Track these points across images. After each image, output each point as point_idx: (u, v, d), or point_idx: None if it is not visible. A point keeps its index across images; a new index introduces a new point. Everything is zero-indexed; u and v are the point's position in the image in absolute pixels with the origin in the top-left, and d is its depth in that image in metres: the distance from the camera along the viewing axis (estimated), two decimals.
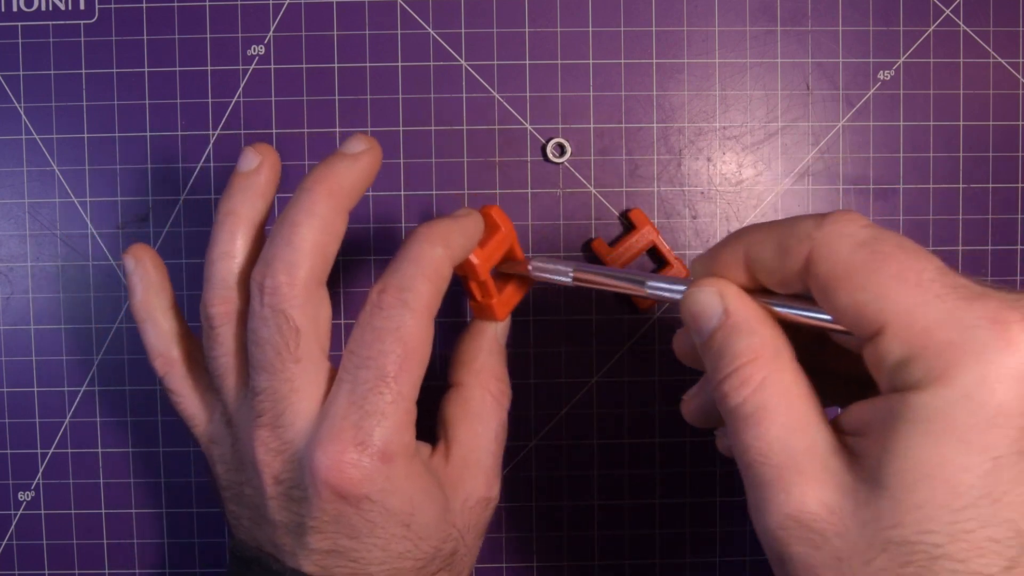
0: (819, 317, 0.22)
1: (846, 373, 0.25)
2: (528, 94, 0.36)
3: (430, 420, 0.30)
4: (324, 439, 0.25)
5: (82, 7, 0.35)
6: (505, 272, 0.31)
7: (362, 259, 0.36)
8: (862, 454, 0.20)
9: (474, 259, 0.28)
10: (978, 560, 0.19)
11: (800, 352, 0.22)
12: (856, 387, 0.23)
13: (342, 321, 0.36)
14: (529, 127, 0.36)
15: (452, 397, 0.30)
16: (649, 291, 0.26)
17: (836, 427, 0.22)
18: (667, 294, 0.26)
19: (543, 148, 0.36)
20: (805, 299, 0.23)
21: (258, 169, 0.28)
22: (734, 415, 0.22)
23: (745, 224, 0.35)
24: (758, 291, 0.23)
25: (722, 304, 0.23)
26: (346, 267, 0.36)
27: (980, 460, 0.19)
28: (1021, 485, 0.19)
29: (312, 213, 0.26)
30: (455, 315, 0.36)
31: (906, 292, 0.19)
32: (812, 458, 0.21)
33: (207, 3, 0.35)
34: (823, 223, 0.21)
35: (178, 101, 0.35)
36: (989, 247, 0.36)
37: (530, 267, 0.30)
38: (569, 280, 0.28)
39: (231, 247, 0.27)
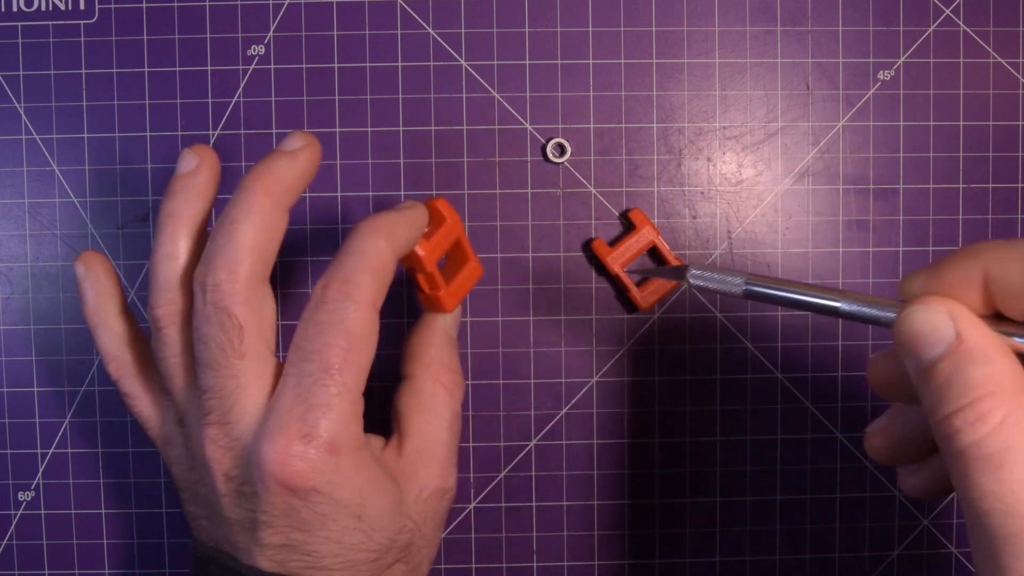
0: None
1: None
2: (528, 94, 0.36)
3: (384, 414, 0.30)
4: (270, 433, 0.25)
5: (82, 7, 0.35)
6: (658, 277, 0.29)
7: None
8: None
9: (420, 251, 0.29)
10: None
11: None
12: None
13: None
14: (529, 127, 0.36)
15: (404, 390, 0.30)
16: (848, 310, 0.23)
17: None
18: (873, 315, 0.22)
19: (543, 148, 0.36)
20: None
21: (196, 170, 0.28)
22: (966, 455, 0.19)
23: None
24: (990, 318, 0.21)
25: (954, 327, 0.20)
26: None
27: None
28: None
29: (251, 211, 0.26)
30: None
31: None
32: None
33: (207, 3, 0.35)
34: None
35: (178, 101, 0.35)
36: None
37: (689, 276, 0.26)
38: (739, 292, 0.25)
39: (173, 248, 0.28)
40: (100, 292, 0.30)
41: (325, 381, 0.25)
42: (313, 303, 0.26)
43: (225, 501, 0.27)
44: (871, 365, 0.25)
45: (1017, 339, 0.20)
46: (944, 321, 0.20)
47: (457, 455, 0.31)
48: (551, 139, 0.36)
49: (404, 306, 0.36)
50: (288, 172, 0.27)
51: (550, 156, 0.36)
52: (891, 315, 0.22)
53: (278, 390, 0.26)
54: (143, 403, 0.30)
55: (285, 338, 0.36)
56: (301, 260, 0.36)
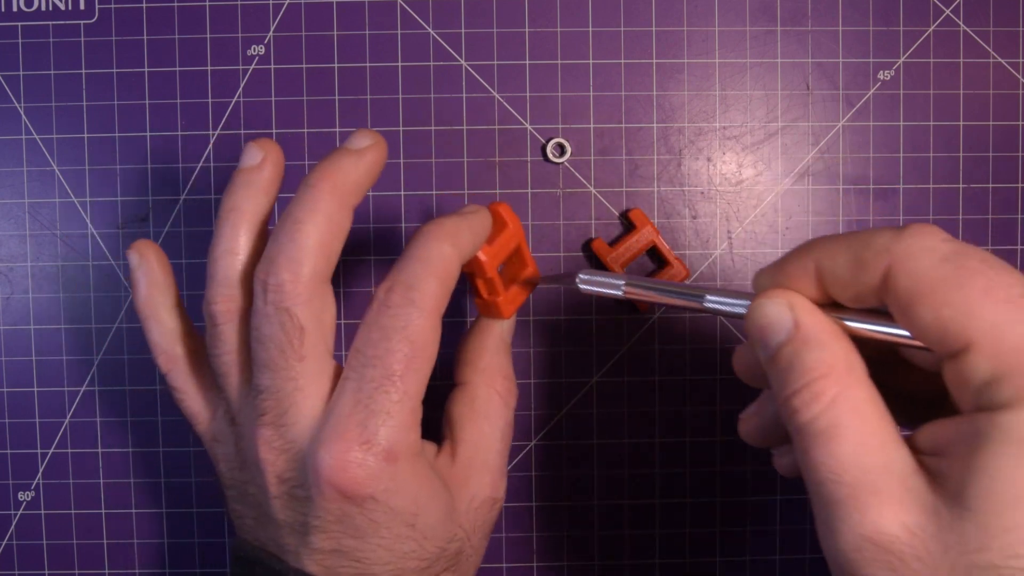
0: (896, 333, 0.21)
1: (915, 392, 0.24)
2: (528, 94, 0.36)
3: (437, 419, 0.30)
4: (329, 438, 0.25)
5: (82, 7, 0.35)
6: (549, 284, 0.30)
7: (362, 259, 0.36)
8: (943, 475, 0.20)
9: (482, 256, 0.28)
10: None
11: (869, 371, 0.22)
12: (925, 407, 0.23)
13: (342, 321, 0.36)
14: (529, 127, 0.36)
15: (458, 396, 0.30)
16: (709, 305, 0.25)
17: (911, 446, 0.21)
18: (729, 308, 0.25)
19: (543, 148, 0.36)
20: (878, 314, 0.22)
21: (261, 165, 0.28)
22: (804, 432, 0.21)
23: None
24: (827, 305, 0.23)
25: (792, 316, 0.22)
26: (346, 267, 0.36)
27: None
28: None
29: (316, 210, 0.25)
30: (460, 314, 0.36)
31: (994, 308, 0.19)
32: (889, 477, 0.20)
33: (207, 3, 0.35)
34: (902, 236, 0.20)
35: (178, 101, 0.35)
36: (989, 247, 0.36)
37: (577, 280, 0.28)
38: (620, 294, 0.27)
39: (234, 244, 0.27)
40: (153, 283, 0.29)
41: (387, 387, 0.25)
42: (376, 307, 0.25)
43: (276, 503, 0.26)
44: (735, 356, 0.26)
45: (850, 323, 0.22)
46: (783, 311, 0.22)
47: (507, 464, 0.30)
48: (551, 139, 0.36)
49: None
50: (354, 171, 0.26)
51: (550, 156, 0.36)
52: (743, 309, 0.24)
53: (336, 394, 0.25)
54: (192, 399, 0.29)
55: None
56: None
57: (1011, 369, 0.19)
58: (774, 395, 0.22)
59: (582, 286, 0.28)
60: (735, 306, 0.24)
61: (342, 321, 0.36)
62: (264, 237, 0.28)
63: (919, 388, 0.24)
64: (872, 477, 0.20)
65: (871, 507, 0.20)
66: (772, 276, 0.23)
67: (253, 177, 0.27)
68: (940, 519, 0.19)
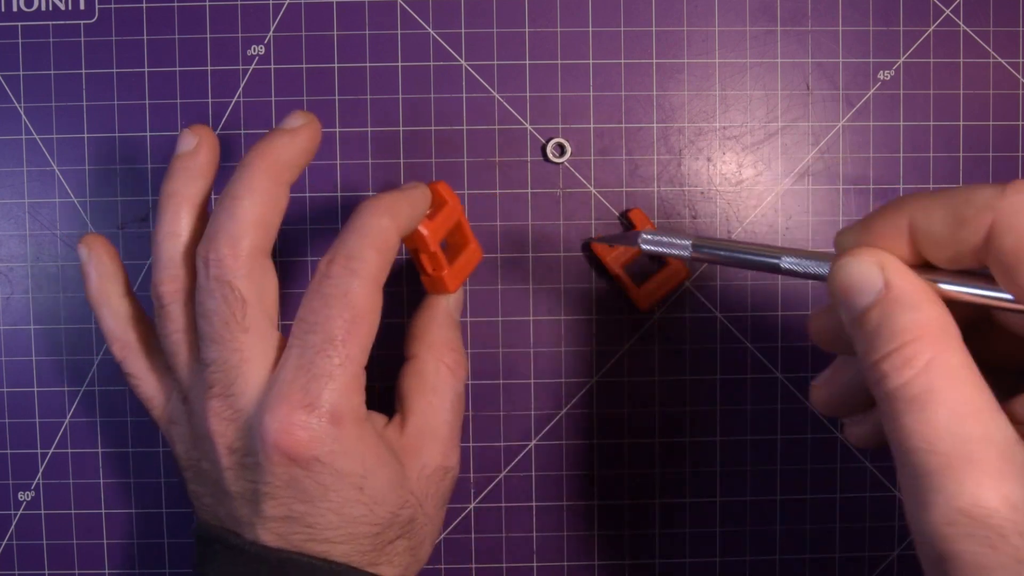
0: (997, 296, 0.20)
1: (1008, 361, 0.23)
2: (528, 94, 0.36)
3: (389, 397, 0.30)
4: (273, 403, 0.25)
5: (82, 7, 0.35)
6: (612, 244, 0.30)
7: None
8: None
9: (423, 230, 0.29)
10: None
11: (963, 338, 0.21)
12: (1018, 376, 0.22)
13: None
14: (529, 127, 0.36)
15: (407, 370, 0.31)
16: (787, 266, 0.24)
17: (1009, 416, 0.20)
18: (809, 269, 0.23)
19: (543, 148, 0.36)
20: (975, 275, 0.21)
21: (196, 150, 0.29)
22: (894, 397, 0.20)
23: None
24: (919, 266, 0.21)
25: (882, 276, 0.21)
26: None
27: None
28: None
29: (252, 188, 0.27)
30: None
31: None
32: (988, 447, 0.19)
33: (207, 3, 0.35)
34: (1007, 192, 0.19)
35: (178, 101, 0.35)
36: None
37: (640, 241, 0.27)
38: (687, 255, 0.26)
39: (176, 226, 0.28)
40: (103, 273, 0.30)
41: (328, 352, 0.25)
42: (318, 277, 0.26)
43: (228, 475, 0.27)
44: (812, 320, 0.25)
45: (944, 285, 0.21)
46: (873, 271, 0.21)
47: (460, 434, 0.31)
48: (551, 139, 0.36)
49: (404, 292, 0.36)
50: (288, 149, 0.28)
51: (550, 156, 0.36)
52: (825, 269, 0.22)
53: (281, 362, 0.26)
54: (147, 382, 0.30)
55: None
56: (301, 260, 0.36)
57: None
58: (860, 360, 0.21)
59: (644, 246, 0.27)
60: (816, 267, 0.23)
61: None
62: (204, 219, 0.29)
63: (1013, 356, 0.23)
64: (969, 446, 0.19)
65: (968, 478, 0.19)
66: (858, 235, 0.22)
67: (189, 162, 0.29)
68: None
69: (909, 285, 0.21)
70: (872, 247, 0.22)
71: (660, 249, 0.27)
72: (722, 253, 0.25)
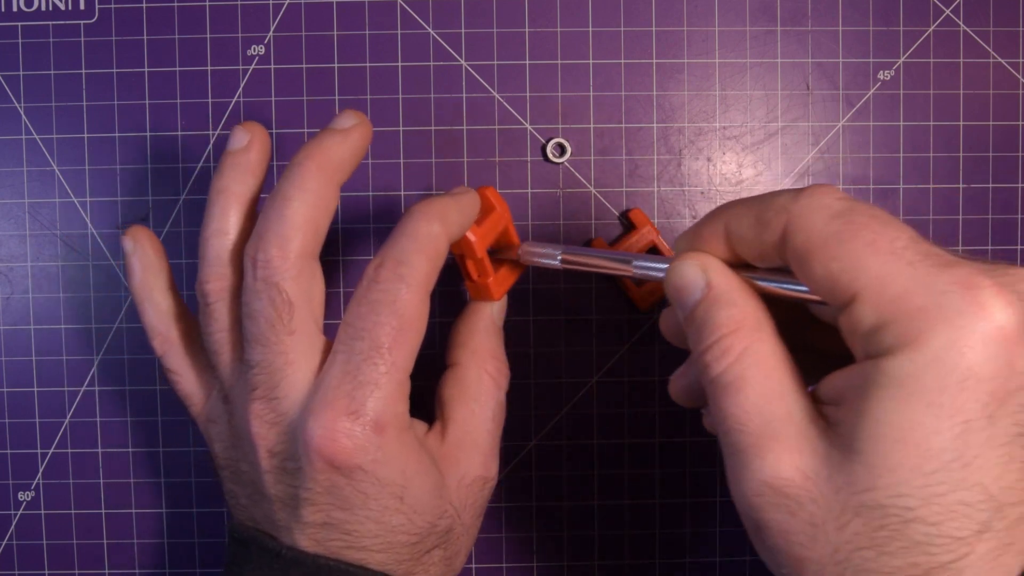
0: (797, 289, 0.23)
1: (827, 349, 0.25)
2: (528, 94, 0.36)
3: (430, 402, 0.30)
4: (317, 408, 0.25)
5: (82, 7, 0.35)
6: (495, 257, 0.31)
7: (362, 260, 0.36)
8: (838, 422, 0.21)
9: (471, 236, 0.29)
10: (950, 523, 0.19)
11: (783, 328, 0.23)
12: (837, 362, 0.23)
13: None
14: (529, 127, 0.36)
15: (449, 377, 0.30)
16: (636, 270, 0.27)
17: (815, 397, 0.22)
18: (653, 272, 0.26)
19: (543, 148, 0.36)
20: (784, 272, 0.23)
21: (248, 147, 0.28)
22: (714, 385, 0.22)
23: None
24: (740, 266, 0.24)
25: (704, 277, 0.23)
26: (345, 267, 0.36)
27: (950, 424, 0.19)
28: (991, 449, 0.19)
29: (303, 188, 0.26)
30: (456, 299, 0.36)
31: (878, 260, 0.20)
32: (788, 425, 0.21)
33: (207, 3, 0.35)
34: (799, 196, 0.21)
35: (178, 101, 0.35)
36: (989, 247, 0.36)
37: (519, 251, 0.30)
38: (558, 263, 0.29)
39: (224, 224, 0.28)
40: (147, 266, 0.30)
41: (374, 359, 0.25)
42: (365, 282, 0.26)
43: (267, 478, 0.27)
44: (662, 318, 0.28)
45: (757, 280, 0.23)
46: (697, 272, 0.23)
47: (499, 444, 0.30)
48: (551, 139, 0.36)
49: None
50: (340, 149, 0.27)
51: (550, 156, 0.36)
52: (663, 272, 0.25)
53: (326, 367, 0.26)
54: (187, 379, 0.30)
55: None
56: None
57: (893, 317, 0.19)
58: (692, 354, 0.23)
59: (522, 257, 0.30)
60: (658, 270, 0.26)
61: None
62: (253, 217, 0.29)
63: (828, 344, 0.25)
64: (774, 425, 0.21)
65: (770, 453, 0.21)
66: (689, 239, 0.24)
67: (240, 159, 0.28)
68: (832, 463, 0.20)
69: (727, 283, 0.23)
70: (698, 251, 0.24)
71: (533, 259, 0.30)
72: (585, 260, 0.28)
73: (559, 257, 0.29)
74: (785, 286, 0.23)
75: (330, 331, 0.27)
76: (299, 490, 0.26)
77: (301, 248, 0.26)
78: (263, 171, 0.29)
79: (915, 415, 0.19)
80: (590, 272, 0.28)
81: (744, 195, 0.36)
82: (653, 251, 0.36)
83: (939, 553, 0.19)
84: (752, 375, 0.22)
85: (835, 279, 0.20)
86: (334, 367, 0.26)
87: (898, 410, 0.19)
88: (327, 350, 0.27)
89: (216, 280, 0.28)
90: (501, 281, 0.31)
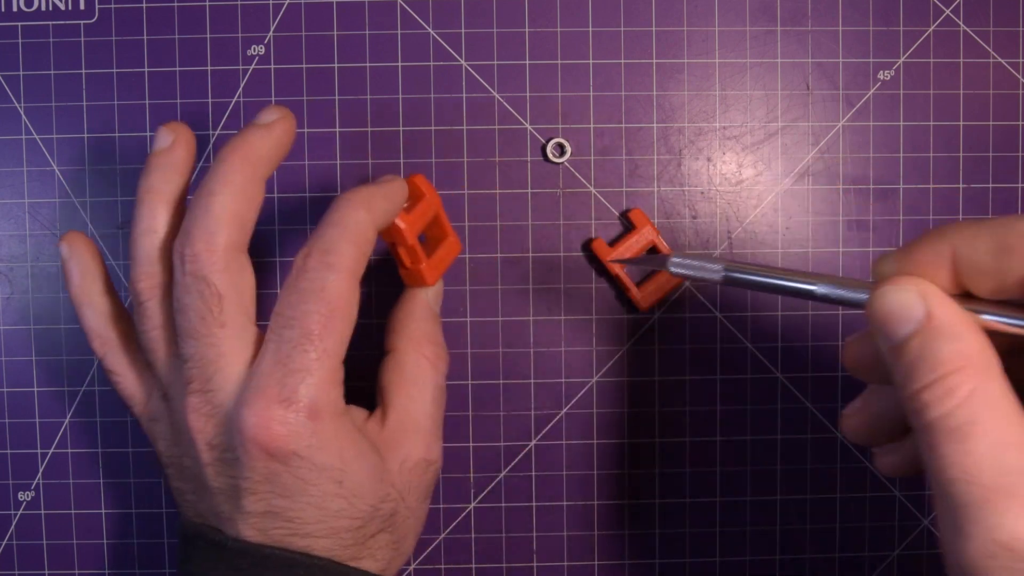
0: None
1: None
2: (528, 94, 0.36)
3: (371, 390, 0.31)
4: (250, 397, 0.25)
5: (82, 7, 0.35)
6: (639, 266, 0.30)
7: None
8: None
9: (400, 224, 0.29)
10: None
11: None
12: None
13: None
14: (529, 127, 0.36)
15: (388, 363, 0.31)
16: (821, 292, 0.23)
17: None
18: (847, 296, 0.23)
19: (543, 148, 0.36)
20: (1015, 306, 0.21)
21: (172, 146, 0.29)
22: (934, 428, 0.20)
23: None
24: (960, 296, 0.21)
25: (924, 306, 0.21)
26: None
27: None
28: None
29: (228, 182, 0.27)
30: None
31: None
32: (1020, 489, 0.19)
33: (207, 3, 0.35)
34: None
35: (178, 101, 0.35)
36: None
37: (669, 264, 0.26)
38: (718, 279, 0.25)
39: (152, 223, 0.28)
40: (84, 271, 0.30)
41: (305, 346, 0.25)
42: (294, 272, 0.26)
43: (209, 471, 0.27)
44: (847, 347, 0.25)
45: (986, 316, 0.21)
46: (915, 300, 0.21)
47: (441, 427, 0.31)
48: (551, 139, 0.36)
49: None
50: (263, 144, 0.27)
51: (550, 156, 0.36)
52: (864, 296, 0.22)
53: (259, 357, 0.26)
54: (128, 379, 0.30)
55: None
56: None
57: None
58: (898, 389, 0.21)
59: (673, 269, 0.26)
60: (854, 295, 0.23)
61: None
62: (181, 215, 0.29)
63: None
64: (1010, 479, 0.19)
65: (1009, 511, 0.19)
66: (899, 262, 0.22)
67: (166, 159, 0.29)
68: None
69: (951, 315, 0.21)
70: (913, 276, 0.22)
71: (690, 273, 0.26)
72: (755, 279, 0.24)
73: (721, 274, 0.25)
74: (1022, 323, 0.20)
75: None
76: (239, 480, 0.26)
77: (227, 241, 0.26)
78: (189, 170, 0.29)
79: None
80: (758, 290, 0.25)
81: (744, 195, 0.36)
82: (653, 251, 0.36)
83: None
84: (985, 420, 0.19)
85: None
86: (266, 356, 0.26)
87: None
88: (259, 341, 0.27)
89: (147, 278, 0.28)
90: (434, 266, 0.31)
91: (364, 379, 0.33)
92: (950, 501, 0.19)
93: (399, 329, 0.31)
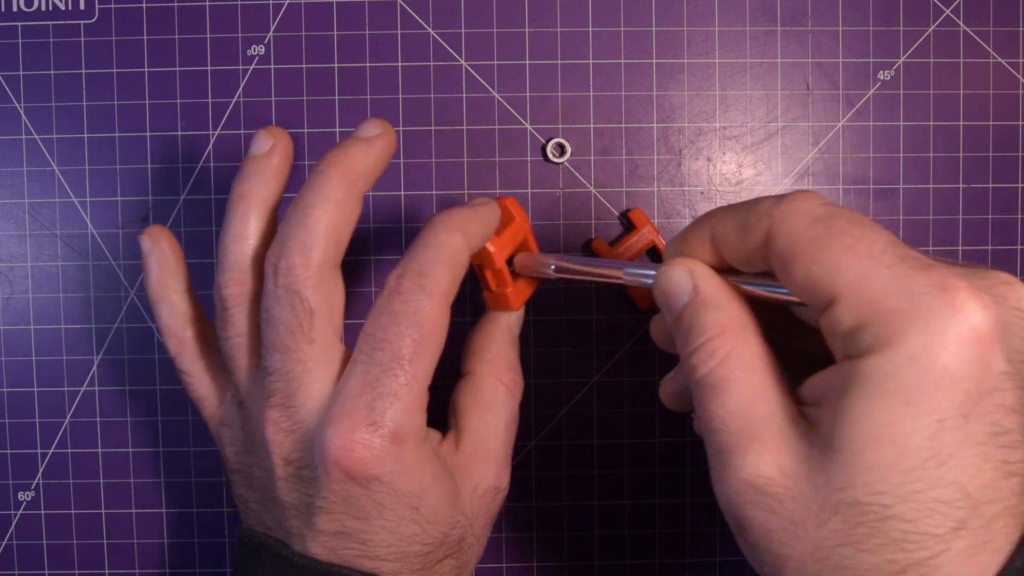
0: (779, 292, 0.23)
1: (810, 351, 0.25)
2: (528, 94, 0.36)
3: (442, 412, 0.30)
4: (336, 418, 0.25)
5: (82, 7, 0.35)
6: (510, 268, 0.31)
7: (362, 259, 0.36)
8: (818, 422, 0.21)
9: (491, 247, 0.29)
10: (926, 520, 0.19)
11: (768, 331, 0.23)
12: (819, 364, 0.23)
13: (345, 321, 0.36)
14: (529, 127, 0.36)
15: (464, 386, 0.30)
16: (627, 277, 0.27)
17: (797, 399, 0.22)
18: (643, 279, 0.26)
19: (543, 148, 0.36)
20: (768, 276, 0.23)
21: (271, 152, 0.28)
22: (700, 386, 0.23)
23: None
24: (726, 271, 0.24)
25: (691, 281, 0.24)
26: (346, 267, 0.36)
27: (927, 422, 0.19)
28: (966, 448, 0.19)
29: (327, 196, 0.26)
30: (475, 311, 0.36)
31: (857, 263, 0.20)
32: (770, 426, 0.21)
33: (207, 3, 0.35)
34: (781, 202, 0.22)
35: (178, 101, 0.35)
36: (989, 247, 0.36)
37: (516, 261, 0.30)
38: (551, 272, 0.29)
39: (244, 229, 0.28)
40: (165, 267, 0.30)
41: (395, 371, 0.25)
42: (387, 292, 0.26)
43: (282, 485, 0.27)
44: (652, 324, 0.28)
45: (745, 286, 0.24)
46: (684, 277, 0.24)
47: (511, 454, 0.30)
48: (551, 139, 0.36)
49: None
50: (364, 159, 0.27)
51: (550, 156, 0.36)
52: (651, 278, 0.26)
53: (345, 376, 0.26)
54: (201, 382, 0.30)
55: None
56: None
57: (870, 318, 0.20)
58: (680, 357, 0.24)
59: (518, 267, 0.30)
60: (647, 276, 0.26)
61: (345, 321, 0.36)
62: (274, 223, 0.28)
63: (810, 346, 0.25)
64: (755, 426, 0.22)
65: (751, 452, 0.21)
66: (677, 245, 0.25)
67: (262, 164, 0.28)
68: (811, 462, 0.20)
69: (714, 288, 0.24)
70: (686, 256, 0.25)
71: (528, 269, 0.30)
72: (577, 267, 0.29)
73: (552, 266, 0.29)
74: (769, 289, 0.23)
75: (349, 333, 0.27)
76: (314, 498, 0.26)
77: (323, 256, 0.26)
78: (285, 177, 0.29)
79: (892, 414, 0.19)
80: (584, 281, 0.29)
81: (744, 196, 0.36)
82: (653, 251, 0.36)
83: (915, 550, 0.19)
84: (736, 377, 0.22)
85: (815, 282, 0.21)
86: (353, 377, 0.25)
87: (875, 408, 0.19)
88: (346, 359, 0.27)
89: (235, 285, 0.28)
90: (520, 291, 0.31)
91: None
92: (711, 449, 0.23)
93: (478, 352, 0.30)
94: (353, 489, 0.25)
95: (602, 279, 0.28)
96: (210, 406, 0.30)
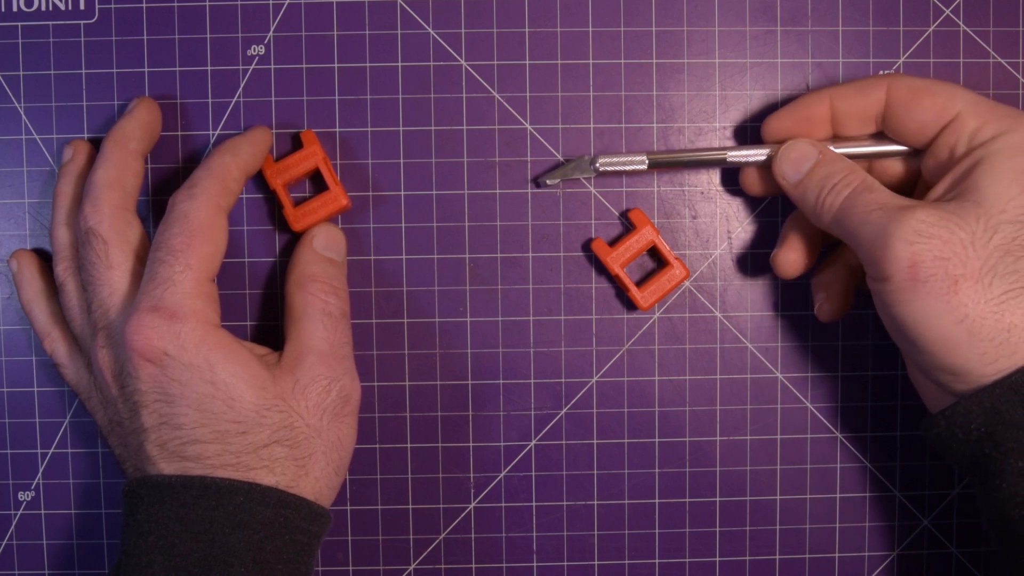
0: (890, 151, 0.32)
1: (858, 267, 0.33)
2: (528, 94, 0.36)
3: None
4: (129, 314, 0.29)
5: (82, 7, 0.35)
6: (563, 178, 0.35)
7: (362, 259, 0.36)
8: (957, 196, 0.28)
9: (264, 168, 0.34)
10: None
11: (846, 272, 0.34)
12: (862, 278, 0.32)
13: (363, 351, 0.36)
14: (529, 127, 0.36)
15: (285, 311, 0.33)
16: (732, 159, 0.33)
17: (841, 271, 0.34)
18: (753, 158, 0.33)
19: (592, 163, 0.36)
20: (875, 138, 0.32)
21: (74, 158, 0.34)
22: (846, 205, 0.30)
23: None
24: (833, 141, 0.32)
25: (817, 149, 0.32)
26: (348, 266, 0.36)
27: None
28: None
29: (103, 157, 0.32)
30: (474, 310, 0.36)
31: (967, 93, 0.30)
32: (916, 202, 0.29)
33: (207, 3, 0.35)
34: (891, 72, 0.29)
35: (178, 101, 0.35)
36: None
37: (598, 163, 0.34)
38: (644, 167, 0.34)
39: (63, 217, 0.33)
40: (31, 281, 0.34)
41: (169, 262, 0.29)
42: (166, 210, 0.31)
43: (120, 406, 0.30)
44: (744, 177, 0.34)
45: (851, 149, 0.32)
46: (809, 146, 0.32)
47: (348, 352, 0.33)
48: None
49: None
50: (127, 123, 0.33)
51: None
52: (764, 154, 0.33)
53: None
54: (71, 369, 0.33)
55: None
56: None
57: (990, 119, 0.29)
58: (807, 206, 0.31)
59: (602, 168, 0.34)
60: (757, 155, 0.33)
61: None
62: None
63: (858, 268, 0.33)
64: (906, 201, 0.29)
65: (909, 210, 0.28)
66: (789, 116, 0.32)
67: (70, 168, 0.34)
68: (965, 206, 0.27)
69: (832, 152, 0.32)
70: (796, 131, 0.33)
71: (617, 168, 0.34)
72: (675, 159, 0.34)
73: (645, 161, 0.34)
74: (881, 149, 0.32)
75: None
76: (133, 396, 0.29)
77: (110, 201, 0.31)
78: (86, 173, 0.33)
79: (1022, 164, 0.28)
80: (680, 170, 0.35)
81: (744, 195, 0.36)
82: (653, 251, 0.36)
83: None
84: (877, 184, 0.30)
85: (940, 108, 0.29)
86: (142, 281, 0.30)
87: (1012, 160, 0.28)
88: None
89: (62, 262, 0.33)
90: (303, 214, 0.34)
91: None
92: (861, 243, 0.29)
93: (288, 275, 0.33)
94: (151, 370, 0.29)
95: (702, 165, 0.34)
96: (83, 390, 0.33)
